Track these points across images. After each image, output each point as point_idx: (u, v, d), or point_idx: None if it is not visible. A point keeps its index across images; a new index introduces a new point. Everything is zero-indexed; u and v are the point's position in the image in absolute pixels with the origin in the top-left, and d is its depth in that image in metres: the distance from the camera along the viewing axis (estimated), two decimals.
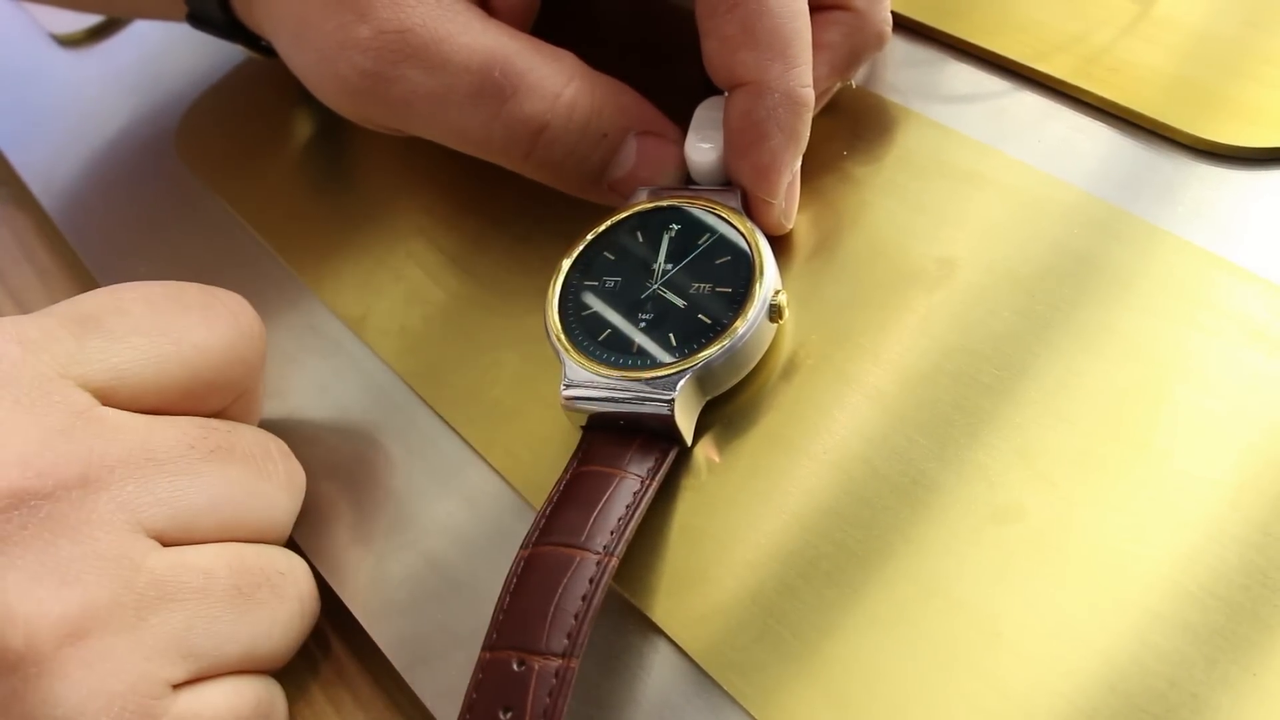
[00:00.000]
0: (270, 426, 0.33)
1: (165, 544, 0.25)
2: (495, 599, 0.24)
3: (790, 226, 0.31)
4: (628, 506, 0.26)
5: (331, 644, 0.30)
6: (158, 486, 0.25)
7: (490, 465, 0.30)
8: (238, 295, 0.30)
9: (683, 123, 0.31)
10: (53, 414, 0.25)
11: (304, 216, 0.38)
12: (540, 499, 0.26)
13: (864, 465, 0.26)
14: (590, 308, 0.29)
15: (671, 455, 0.27)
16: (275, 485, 0.29)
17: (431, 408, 0.32)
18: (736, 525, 0.27)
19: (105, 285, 0.39)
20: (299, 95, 0.40)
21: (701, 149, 0.30)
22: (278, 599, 0.27)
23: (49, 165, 0.45)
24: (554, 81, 0.30)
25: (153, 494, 0.25)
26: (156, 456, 0.26)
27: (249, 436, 0.29)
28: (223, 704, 0.25)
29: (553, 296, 0.29)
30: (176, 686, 0.25)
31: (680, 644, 0.25)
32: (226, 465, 0.27)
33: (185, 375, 0.27)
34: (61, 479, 0.24)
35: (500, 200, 0.35)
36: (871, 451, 0.27)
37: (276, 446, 0.29)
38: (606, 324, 0.28)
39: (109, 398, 0.26)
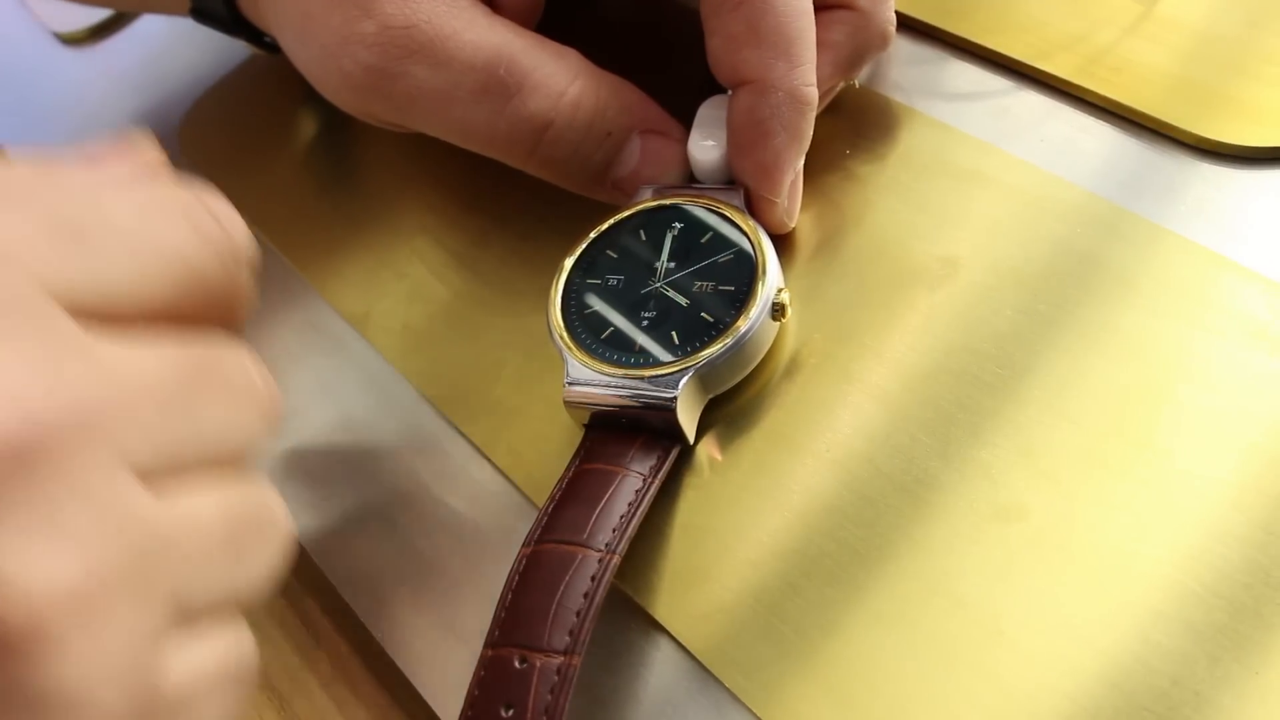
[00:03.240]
0: None
1: (156, 487, 0.23)
2: (497, 597, 0.24)
3: (793, 225, 0.31)
4: (630, 504, 0.26)
5: (333, 641, 0.30)
6: (152, 427, 0.23)
7: (493, 463, 0.30)
8: (226, 204, 0.27)
9: (686, 121, 0.31)
10: (41, 345, 0.22)
11: (307, 214, 0.39)
12: (543, 497, 0.26)
13: (867, 464, 0.26)
14: (593, 306, 0.29)
15: (674, 453, 0.27)
16: (259, 414, 0.26)
17: (434, 406, 0.32)
18: (739, 523, 0.27)
19: None
20: (303, 92, 0.40)
21: (705, 147, 0.30)
22: (264, 543, 0.25)
23: None
24: (559, 79, 0.30)
25: (148, 436, 0.23)
26: (151, 394, 0.23)
27: (234, 362, 0.26)
28: (215, 659, 0.24)
29: (556, 295, 0.29)
30: (171, 636, 0.23)
31: (683, 641, 0.25)
32: (214, 398, 0.25)
33: (169, 291, 0.25)
34: (57, 424, 0.21)
35: (504, 198, 0.36)
36: (874, 450, 0.27)
37: (259, 372, 0.27)
38: (609, 322, 0.28)
39: (94, 319, 0.23)
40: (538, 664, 0.23)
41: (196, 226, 0.26)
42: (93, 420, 0.21)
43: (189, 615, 0.23)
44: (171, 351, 0.24)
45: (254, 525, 0.25)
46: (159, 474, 0.23)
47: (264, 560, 0.25)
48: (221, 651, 0.24)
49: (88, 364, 0.22)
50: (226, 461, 0.25)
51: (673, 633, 0.26)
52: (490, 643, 0.24)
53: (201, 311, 0.26)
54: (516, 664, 0.23)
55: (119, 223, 0.24)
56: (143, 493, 0.22)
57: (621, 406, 0.27)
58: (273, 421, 0.27)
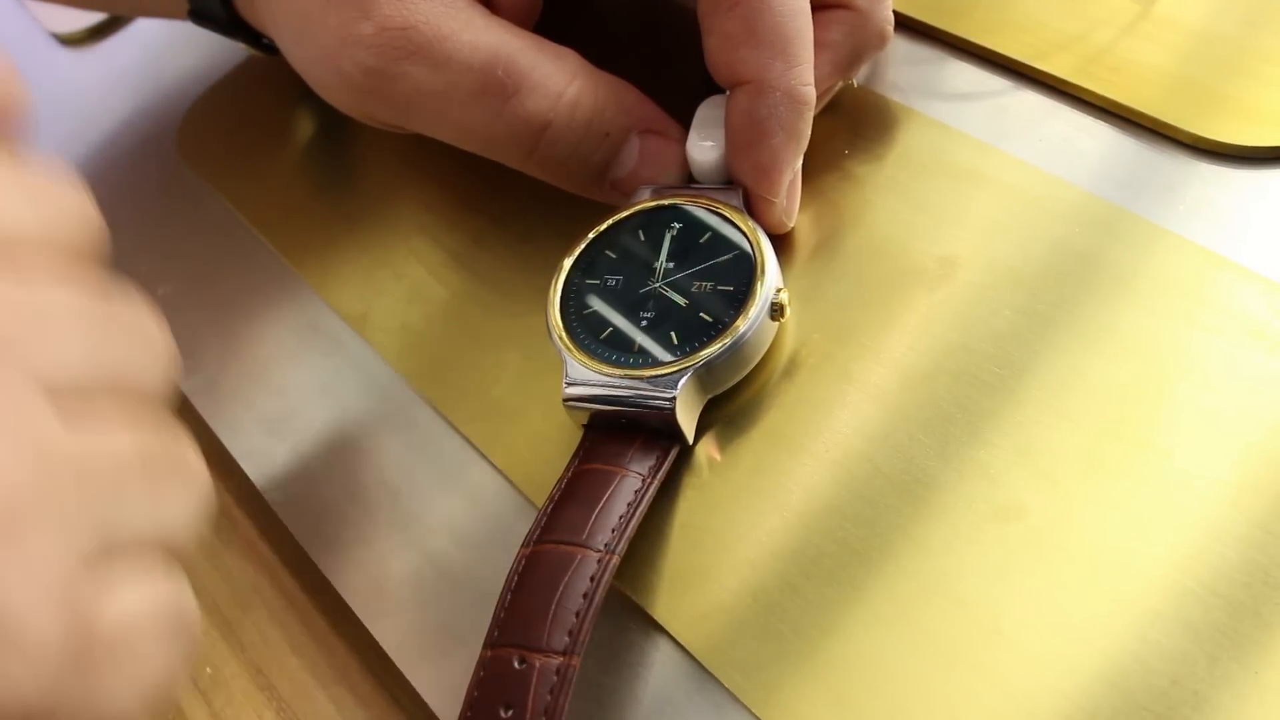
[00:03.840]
0: (270, 424, 0.33)
1: (68, 415, 0.23)
2: (497, 597, 0.24)
3: (792, 225, 0.31)
4: (629, 505, 0.26)
5: (333, 642, 0.30)
6: (62, 353, 0.23)
7: (492, 464, 0.30)
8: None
9: (685, 121, 0.31)
10: None
11: (305, 214, 0.39)
12: (542, 497, 0.26)
13: (866, 463, 0.27)
14: (592, 306, 0.29)
15: (673, 453, 0.27)
16: (159, 359, 0.26)
17: (433, 406, 0.32)
18: (738, 523, 0.27)
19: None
20: (301, 93, 0.40)
21: (703, 148, 0.30)
22: (182, 485, 0.25)
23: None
24: (557, 80, 0.30)
25: (59, 362, 0.23)
26: (61, 321, 0.23)
27: (135, 311, 0.26)
28: (145, 599, 0.23)
29: (554, 295, 0.29)
30: (98, 572, 0.22)
31: (682, 642, 0.25)
32: (119, 335, 0.24)
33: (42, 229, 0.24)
34: None
35: (502, 198, 0.36)
36: (873, 450, 0.27)
37: (156, 323, 0.26)
38: (608, 322, 0.28)
39: None
40: (537, 664, 0.23)
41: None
42: (3, 342, 0.21)
43: (116, 549, 0.23)
44: (74, 289, 0.24)
45: (169, 465, 0.25)
46: (71, 402, 0.23)
47: (184, 502, 0.25)
48: (157, 595, 0.23)
49: None
50: (136, 399, 0.25)
51: (672, 633, 0.26)
52: (489, 643, 0.24)
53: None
54: (516, 664, 0.23)
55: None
56: (53, 417, 0.22)
57: (620, 407, 0.27)
58: (171, 369, 0.26)
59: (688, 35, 0.30)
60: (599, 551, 0.25)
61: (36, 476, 0.21)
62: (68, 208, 0.25)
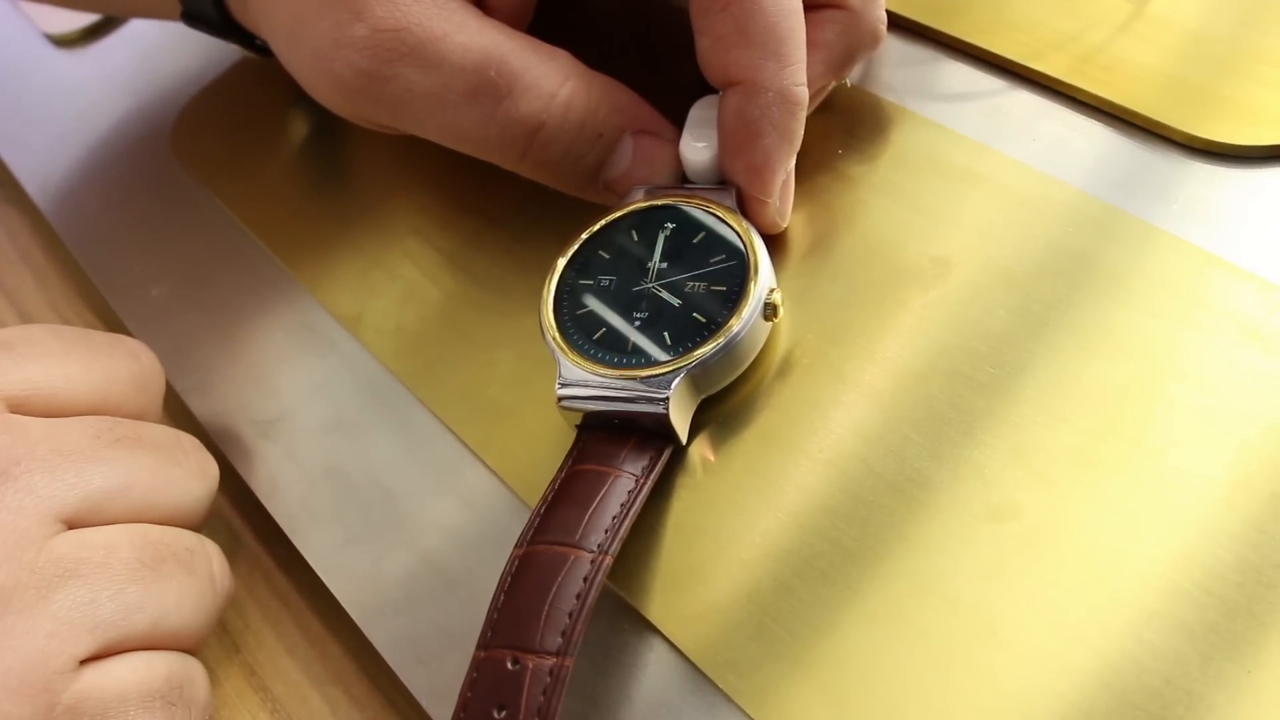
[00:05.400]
0: (265, 425, 0.33)
1: (75, 528, 0.26)
2: (490, 598, 0.24)
3: (785, 225, 0.31)
4: (622, 505, 0.26)
5: (327, 643, 0.30)
6: (65, 473, 0.26)
7: (485, 464, 0.30)
8: (139, 341, 0.32)
9: (678, 122, 0.31)
10: None
11: (299, 215, 0.38)
12: (535, 498, 0.26)
13: (859, 463, 0.26)
14: (586, 306, 0.29)
15: (666, 454, 0.27)
16: (186, 471, 0.29)
17: (427, 407, 0.32)
18: (732, 524, 0.27)
19: (101, 284, 0.39)
20: (294, 94, 0.40)
21: (696, 148, 0.30)
22: (185, 572, 0.27)
23: (44, 165, 0.45)
24: (550, 81, 0.30)
25: (61, 480, 0.26)
26: (63, 447, 0.27)
27: (156, 430, 0.30)
28: (130, 677, 0.25)
29: (548, 295, 0.29)
30: (85, 662, 0.25)
31: (675, 642, 0.25)
32: (134, 452, 0.28)
33: (93, 394, 0.29)
34: None
35: (496, 199, 0.35)
36: (867, 450, 0.27)
37: (187, 439, 0.30)
38: (602, 323, 0.28)
39: (20, 408, 0.27)
40: (530, 665, 0.23)
41: (111, 350, 0.30)
42: (3, 468, 0.25)
43: (104, 634, 0.25)
44: (92, 421, 0.28)
45: (170, 555, 0.27)
46: (81, 516, 0.26)
47: (185, 589, 0.27)
48: (142, 675, 0.26)
49: (4, 427, 0.26)
50: (158, 513, 0.28)
51: (666, 633, 0.26)
52: (482, 644, 0.24)
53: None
54: (509, 665, 0.23)
55: (43, 343, 0.29)
56: (52, 526, 0.25)
57: (614, 407, 0.27)
58: (207, 484, 0.31)
59: (680, 36, 0.30)
60: (592, 552, 0.25)
61: (17, 576, 0.24)
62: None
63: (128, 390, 0.30)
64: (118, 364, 0.30)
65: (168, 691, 0.26)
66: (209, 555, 0.29)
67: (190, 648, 0.28)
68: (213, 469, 0.30)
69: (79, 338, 0.30)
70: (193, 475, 0.29)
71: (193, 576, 0.27)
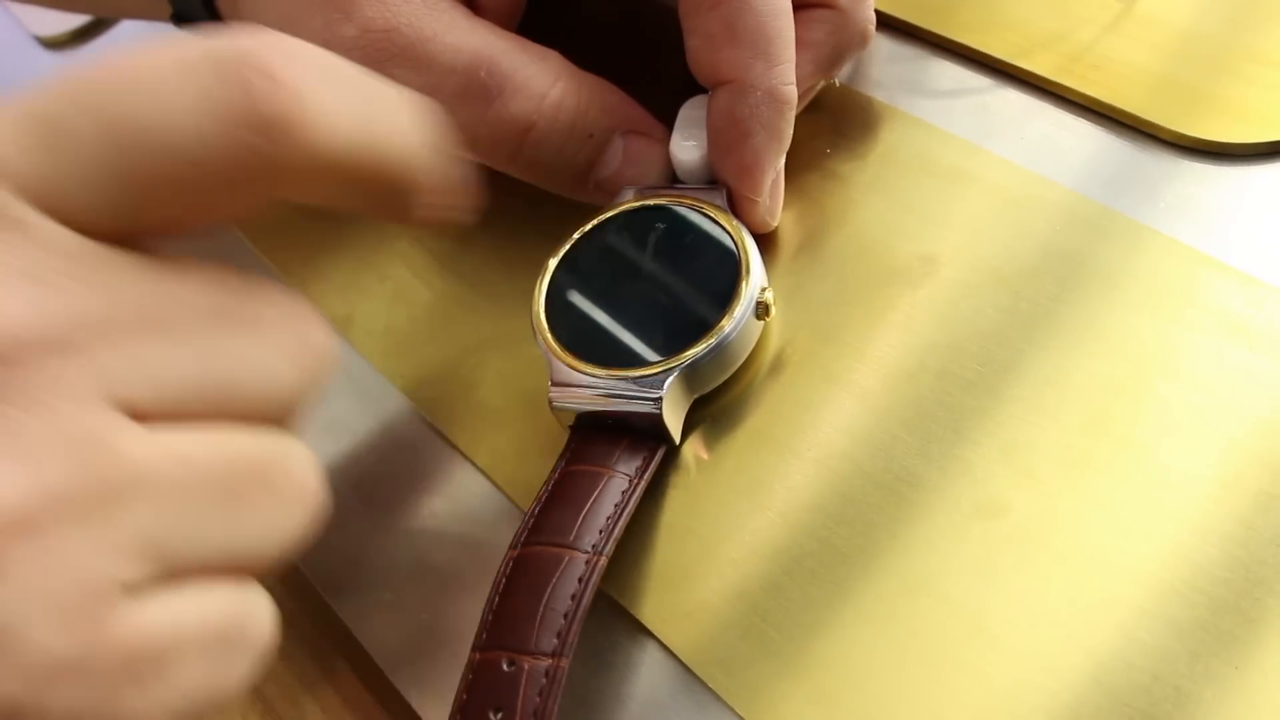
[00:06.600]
0: None
1: (147, 421, 0.21)
2: (483, 600, 0.24)
3: (775, 224, 0.31)
4: (616, 505, 0.26)
5: (318, 645, 0.30)
6: (149, 356, 0.20)
7: (477, 466, 0.30)
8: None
9: (668, 122, 0.31)
10: (25, 253, 0.20)
11: (289, 216, 0.38)
12: (527, 499, 0.26)
13: (849, 463, 0.27)
14: (577, 307, 0.29)
15: (659, 454, 0.27)
16: (298, 365, 0.23)
17: (417, 408, 0.32)
18: (723, 523, 0.27)
19: None
20: None
21: (686, 148, 0.30)
22: (273, 498, 0.23)
23: None
24: (540, 81, 0.30)
25: (142, 364, 0.20)
26: (159, 318, 0.21)
27: (275, 309, 0.23)
28: (190, 612, 0.21)
29: (539, 296, 0.29)
30: (138, 587, 0.20)
31: (665, 642, 0.25)
32: (245, 338, 0.22)
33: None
34: (26, 337, 0.19)
35: (487, 200, 0.35)
36: (857, 449, 0.27)
37: (308, 314, 0.24)
38: (593, 323, 0.28)
39: (74, 220, 0.21)
40: (526, 667, 0.23)
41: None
42: (73, 335, 0.20)
43: (166, 564, 0.21)
44: (214, 290, 0.22)
45: (259, 477, 0.22)
46: (155, 409, 0.21)
47: (271, 520, 0.22)
48: (204, 610, 0.21)
49: (80, 280, 0.20)
50: (252, 415, 0.22)
51: (656, 633, 0.26)
52: (478, 646, 0.24)
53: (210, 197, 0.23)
54: (504, 667, 0.23)
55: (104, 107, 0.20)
56: (120, 419, 0.20)
57: (606, 408, 0.27)
58: (314, 379, 0.24)
59: (671, 35, 0.30)
60: (586, 553, 0.25)
61: (79, 482, 0.19)
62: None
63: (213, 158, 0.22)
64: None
65: (229, 631, 0.22)
66: (302, 470, 0.23)
67: (262, 576, 0.23)
68: (327, 348, 0.24)
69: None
70: (297, 365, 0.23)
71: (281, 504, 0.23)
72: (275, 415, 0.23)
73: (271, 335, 0.23)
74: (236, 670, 0.22)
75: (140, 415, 0.20)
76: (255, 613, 0.23)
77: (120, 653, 0.20)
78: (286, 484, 0.23)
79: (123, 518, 0.20)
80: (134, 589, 0.20)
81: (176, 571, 0.21)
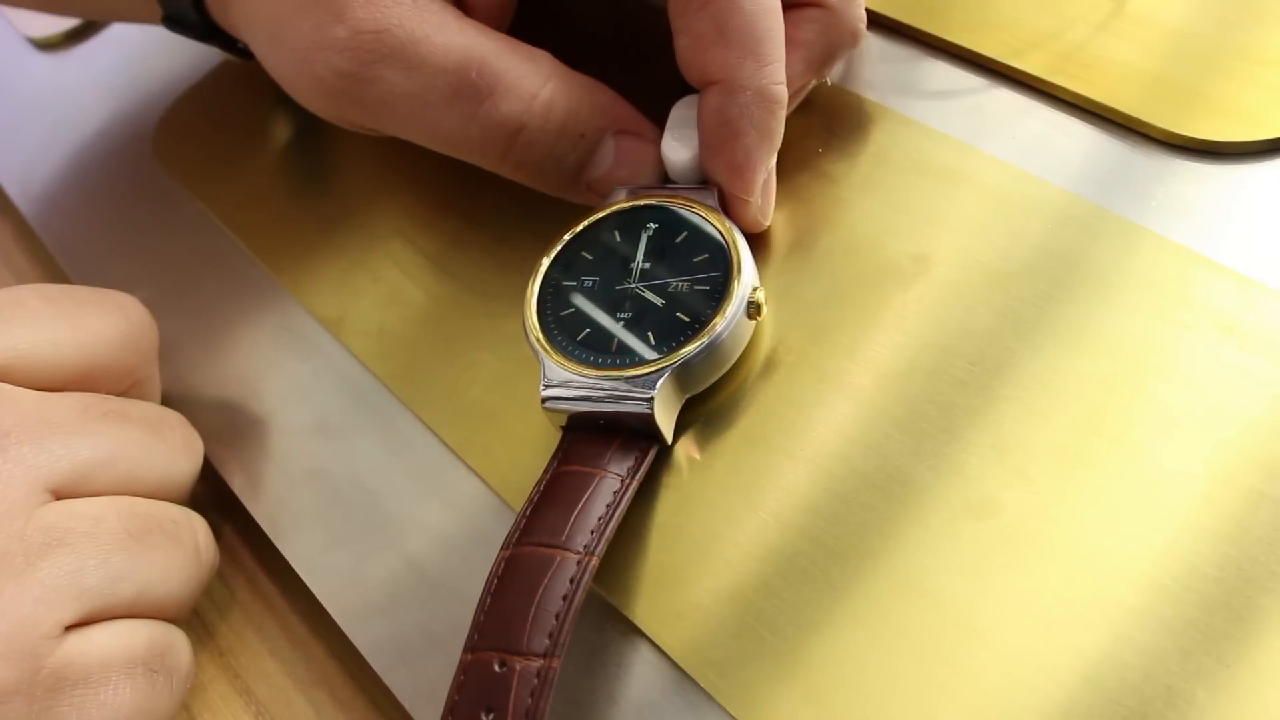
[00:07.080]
0: (248, 428, 0.33)
1: (63, 498, 0.27)
2: (475, 600, 0.24)
3: (767, 224, 0.31)
4: (608, 506, 0.26)
5: (311, 646, 0.30)
6: (53, 445, 0.26)
7: (469, 466, 0.30)
8: (128, 294, 0.32)
9: (659, 122, 0.31)
10: None
11: (281, 218, 0.38)
12: (520, 499, 0.26)
13: (841, 462, 0.27)
14: (569, 307, 0.29)
15: (651, 454, 0.27)
16: (171, 446, 0.30)
17: (410, 409, 0.32)
18: (715, 524, 0.27)
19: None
20: (276, 97, 0.40)
21: (677, 148, 0.30)
22: (172, 543, 0.28)
23: (26, 169, 0.45)
24: (531, 82, 0.30)
25: (48, 452, 0.26)
26: (51, 419, 0.27)
27: (144, 406, 0.30)
28: (114, 642, 0.26)
29: (531, 296, 0.29)
30: (70, 629, 0.25)
31: (658, 642, 0.25)
32: (122, 426, 0.28)
33: (81, 359, 0.29)
34: None
35: (478, 200, 0.35)
36: (849, 448, 0.27)
37: (173, 415, 0.31)
38: (585, 323, 0.28)
39: (6, 375, 0.27)
40: (517, 667, 0.23)
41: (99, 308, 0.30)
42: (1, 440, 0.26)
43: (90, 602, 0.26)
44: (81, 396, 0.28)
45: (156, 526, 0.28)
46: (68, 486, 0.27)
47: (171, 559, 0.28)
48: (125, 641, 0.26)
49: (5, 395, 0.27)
50: (145, 487, 0.29)
51: (648, 633, 0.26)
52: (469, 646, 0.24)
53: (111, 378, 0.30)
54: (496, 667, 0.23)
55: (29, 305, 0.29)
56: (39, 496, 0.26)
57: (599, 408, 0.27)
58: (193, 459, 0.31)
59: (662, 35, 0.30)
60: (578, 553, 0.25)
61: (5, 544, 0.25)
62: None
63: (117, 350, 0.30)
64: (106, 322, 0.30)
65: (150, 659, 0.26)
66: (194, 527, 0.29)
67: (175, 618, 0.28)
68: (198, 445, 0.31)
69: (66, 296, 0.30)
70: (178, 450, 0.30)
71: (179, 547, 0.28)
72: (172, 492, 0.30)
73: (163, 431, 0.30)
74: (161, 693, 0.27)
75: (59, 493, 0.26)
76: (174, 644, 0.28)
77: (56, 677, 0.25)
78: (187, 536, 0.29)
79: (45, 567, 0.25)
80: (64, 625, 0.25)
81: (101, 611, 0.26)
